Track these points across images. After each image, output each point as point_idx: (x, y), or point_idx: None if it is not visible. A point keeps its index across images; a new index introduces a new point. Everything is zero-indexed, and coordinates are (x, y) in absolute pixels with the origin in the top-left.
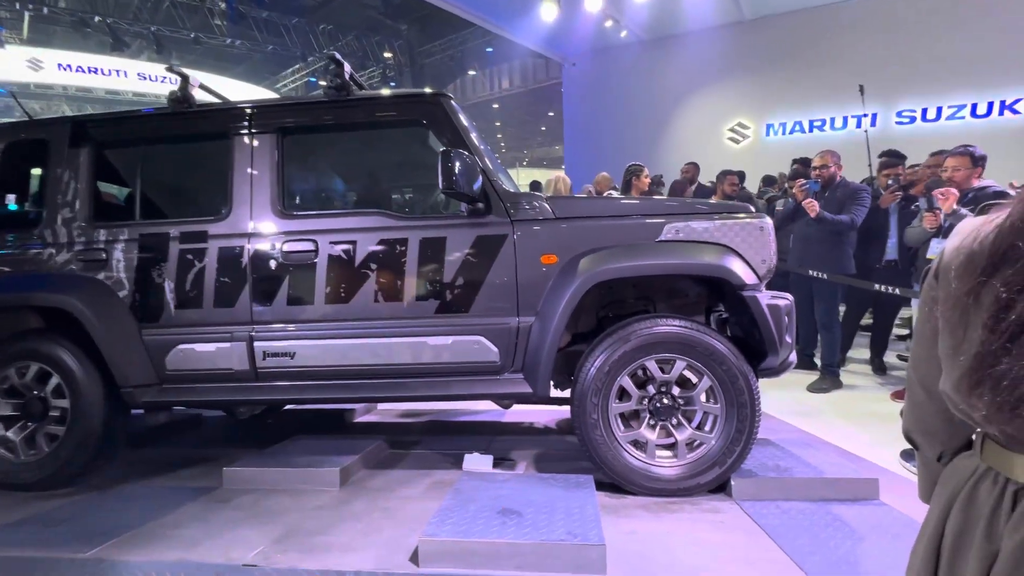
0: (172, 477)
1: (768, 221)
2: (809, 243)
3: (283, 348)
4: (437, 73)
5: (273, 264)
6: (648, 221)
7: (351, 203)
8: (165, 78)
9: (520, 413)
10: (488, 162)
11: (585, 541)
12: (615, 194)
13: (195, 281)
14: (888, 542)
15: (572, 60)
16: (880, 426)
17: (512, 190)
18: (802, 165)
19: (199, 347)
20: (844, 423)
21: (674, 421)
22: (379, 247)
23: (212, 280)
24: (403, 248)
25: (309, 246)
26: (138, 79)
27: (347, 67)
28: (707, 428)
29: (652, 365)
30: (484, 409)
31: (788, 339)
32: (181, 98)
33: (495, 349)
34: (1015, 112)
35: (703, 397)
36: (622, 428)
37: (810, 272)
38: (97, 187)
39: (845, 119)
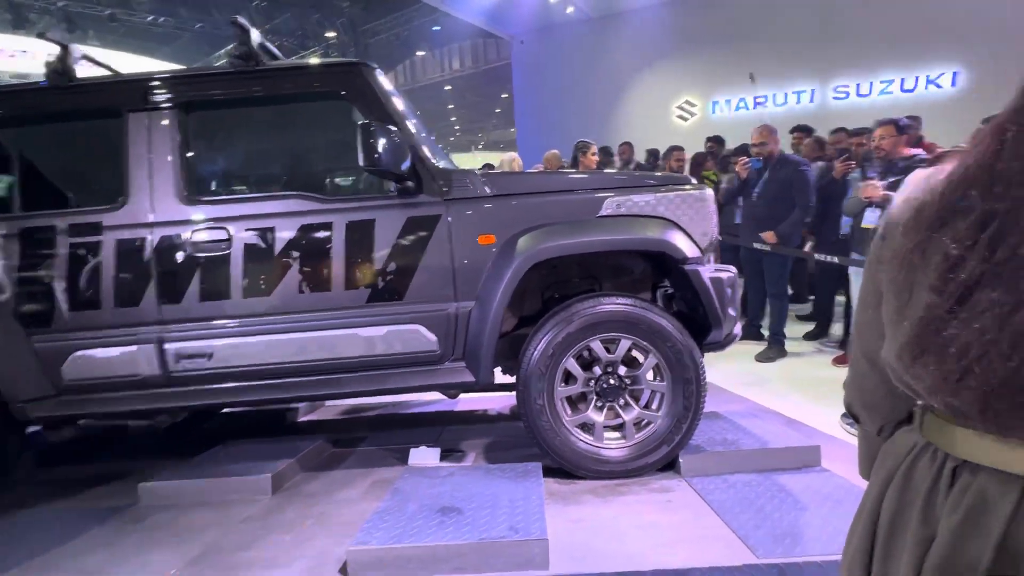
0: (83, 497)
1: (709, 192)
2: (757, 221)
3: (199, 349)
4: (384, 53)
5: (181, 256)
6: (588, 196)
7: (268, 186)
8: (80, 59)
9: (472, 401)
10: (417, 136)
11: (527, 536)
12: None
13: (90, 279)
14: (830, 509)
15: (520, 38)
16: (823, 390)
17: (445, 167)
18: (716, 144)
19: (100, 352)
20: (789, 390)
21: (621, 402)
22: (301, 233)
23: (110, 277)
24: (328, 233)
25: (221, 235)
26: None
27: (255, 33)
28: (654, 407)
29: (597, 345)
30: (434, 400)
31: (732, 311)
32: (60, 70)
33: (433, 337)
34: (938, 86)
35: (649, 375)
36: (569, 412)
37: (755, 245)
38: None
39: (786, 95)
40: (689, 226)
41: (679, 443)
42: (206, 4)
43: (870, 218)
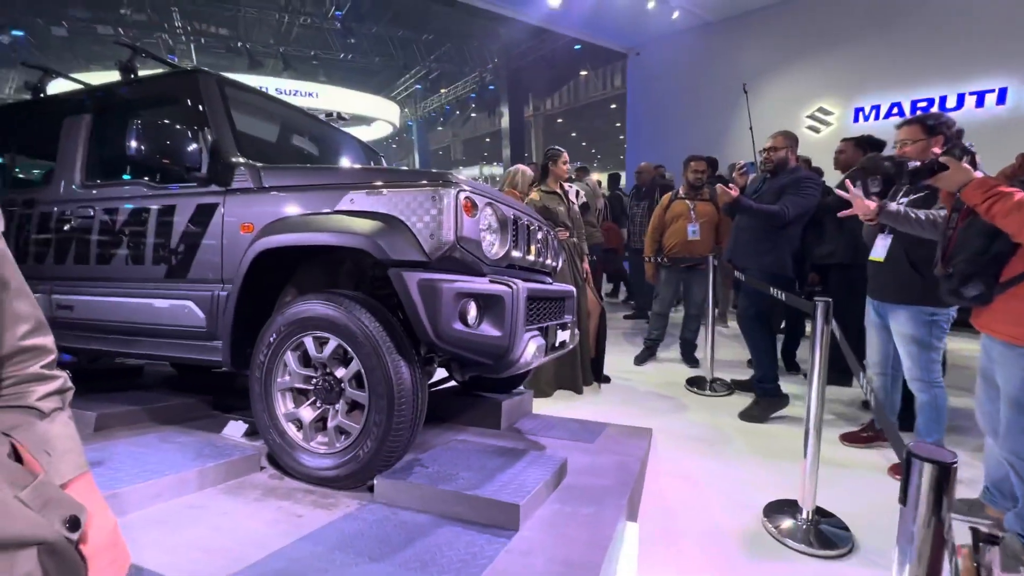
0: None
1: (448, 192)
2: (741, 233)
3: (66, 302)
4: (535, 77)
5: (67, 228)
6: (332, 191)
7: (136, 175)
8: (296, 91)
9: None
10: (225, 134)
11: None
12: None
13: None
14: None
15: (637, 50)
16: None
17: (242, 160)
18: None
19: None
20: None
21: (339, 406)
22: (131, 214)
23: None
24: (146, 215)
25: (88, 213)
26: (276, 93)
27: (136, 53)
28: (359, 417)
29: (309, 342)
30: None
31: (458, 326)
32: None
33: (201, 315)
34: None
35: (353, 382)
36: (288, 405)
37: (736, 273)
38: None
39: (960, 96)
40: (416, 226)
41: (371, 462)
42: (385, 40)
43: (880, 247)
